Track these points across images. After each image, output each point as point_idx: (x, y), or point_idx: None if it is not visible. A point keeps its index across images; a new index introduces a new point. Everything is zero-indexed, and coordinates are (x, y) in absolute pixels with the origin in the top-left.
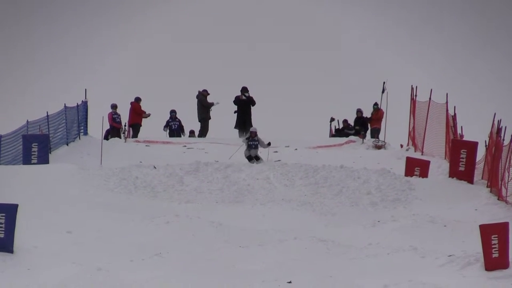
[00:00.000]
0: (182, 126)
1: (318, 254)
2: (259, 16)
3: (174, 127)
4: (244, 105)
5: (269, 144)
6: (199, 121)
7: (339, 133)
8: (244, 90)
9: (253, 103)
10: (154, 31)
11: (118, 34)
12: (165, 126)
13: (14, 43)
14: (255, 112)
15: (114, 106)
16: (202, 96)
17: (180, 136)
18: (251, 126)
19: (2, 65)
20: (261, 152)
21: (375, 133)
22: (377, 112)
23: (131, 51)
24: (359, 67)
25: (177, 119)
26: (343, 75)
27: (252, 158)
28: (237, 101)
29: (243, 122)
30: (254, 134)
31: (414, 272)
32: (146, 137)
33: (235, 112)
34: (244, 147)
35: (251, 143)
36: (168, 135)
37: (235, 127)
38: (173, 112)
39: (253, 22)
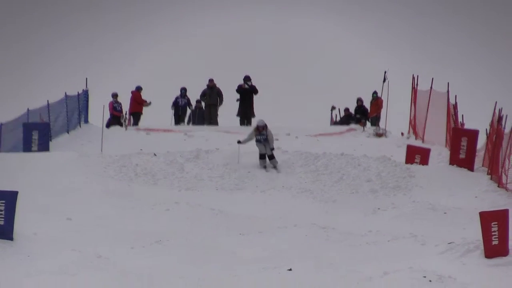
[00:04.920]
0: (191, 105)
1: (318, 241)
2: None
3: (181, 104)
4: (246, 93)
5: (272, 148)
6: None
7: (342, 122)
8: (247, 79)
9: (256, 91)
10: (155, 21)
11: (119, 22)
12: (173, 105)
13: (16, 31)
14: (257, 100)
15: (114, 95)
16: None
17: (185, 113)
18: (253, 114)
19: (3, 53)
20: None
21: (375, 121)
22: (376, 100)
23: (132, 39)
24: (360, 56)
25: (186, 97)
26: (344, 64)
27: (264, 156)
28: (239, 89)
29: (245, 110)
30: (262, 128)
31: (414, 259)
32: (148, 126)
33: (237, 100)
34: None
35: (259, 137)
36: (173, 113)
37: (237, 115)
38: (183, 90)
39: (255, 9)
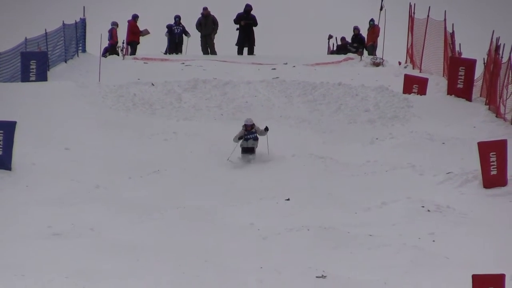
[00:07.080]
0: (187, 32)
1: (316, 171)
2: None
3: (177, 31)
4: (246, 26)
5: (266, 129)
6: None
7: (338, 51)
8: (248, 9)
9: (255, 23)
10: None
11: None
12: (167, 32)
13: None
14: (255, 29)
15: (115, 24)
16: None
17: (182, 42)
18: (253, 44)
19: None
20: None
21: (371, 50)
22: (373, 28)
23: None
24: None
25: (180, 25)
26: None
27: (248, 150)
28: (239, 22)
29: (245, 39)
30: (250, 127)
31: (412, 190)
32: (145, 55)
33: (237, 29)
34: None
35: (248, 136)
36: (168, 40)
37: (236, 44)
38: (177, 17)
39: None
